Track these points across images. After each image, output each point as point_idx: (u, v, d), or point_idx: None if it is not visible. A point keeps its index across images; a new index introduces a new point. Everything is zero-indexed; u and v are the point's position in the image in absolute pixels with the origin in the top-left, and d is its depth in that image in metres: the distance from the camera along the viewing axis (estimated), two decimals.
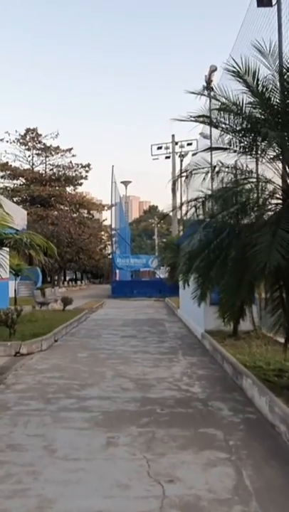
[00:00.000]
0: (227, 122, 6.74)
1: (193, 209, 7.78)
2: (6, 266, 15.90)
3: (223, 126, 6.82)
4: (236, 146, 6.75)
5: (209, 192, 7.27)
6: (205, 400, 6.76)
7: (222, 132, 6.85)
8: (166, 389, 7.39)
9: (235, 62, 6.32)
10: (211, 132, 19.11)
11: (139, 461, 4.52)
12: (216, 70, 21.54)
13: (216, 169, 6.85)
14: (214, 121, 6.84)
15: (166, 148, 40.51)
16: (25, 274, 25.16)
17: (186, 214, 7.78)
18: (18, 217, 17.57)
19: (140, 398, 6.82)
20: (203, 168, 7.14)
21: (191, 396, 6.97)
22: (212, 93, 6.92)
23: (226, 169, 6.74)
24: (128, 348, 11.53)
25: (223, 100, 6.58)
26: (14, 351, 10.61)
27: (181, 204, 8.00)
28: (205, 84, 22.38)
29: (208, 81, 22.34)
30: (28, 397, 6.85)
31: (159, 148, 40.56)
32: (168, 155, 40.14)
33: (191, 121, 6.64)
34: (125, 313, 21.97)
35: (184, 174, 7.09)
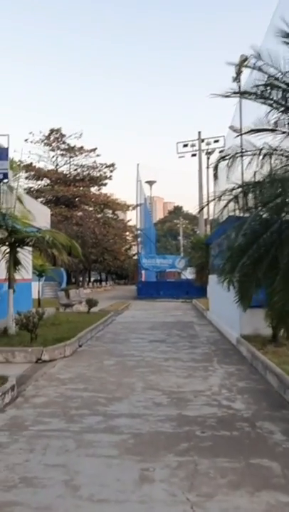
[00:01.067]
0: (275, 98, 5.81)
1: (227, 202, 6.89)
2: (29, 266, 15.25)
3: (270, 102, 5.90)
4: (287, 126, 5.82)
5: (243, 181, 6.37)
6: (251, 419, 5.83)
7: (269, 110, 5.92)
8: (205, 404, 6.49)
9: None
10: (241, 123, 18.12)
11: (182, 506, 3.64)
12: (246, 59, 20.58)
13: (263, 152, 5.92)
14: (258, 95, 5.91)
15: (192, 145, 39.55)
16: (49, 274, 24.59)
17: (225, 206, 6.85)
18: (41, 215, 16.88)
19: (176, 416, 5.93)
20: (245, 151, 6.21)
21: (235, 414, 6.05)
22: (258, 62, 5.99)
23: (278, 152, 5.80)
24: (158, 354, 10.65)
25: (272, 71, 5.65)
26: (35, 358, 9.86)
27: (220, 195, 7.05)
28: (234, 75, 21.46)
29: (238, 72, 21.37)
30: (48, 414, 6.03)
31: (185, 145, 39.63)
32: (194, 152, 39.16)
33: (234, 96, 5.73)
34: (152, 316, 21.10)
35: (227, 158, 6.17)
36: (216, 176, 7.00)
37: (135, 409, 6.25)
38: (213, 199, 6.89)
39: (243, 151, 6.07)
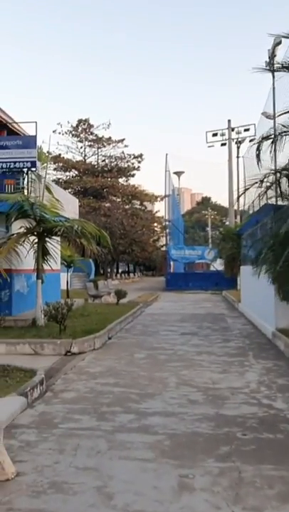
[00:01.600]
0: None
1: (267, 188, 6.40)
2: (57, 257, 15.01)
3: None
4: None
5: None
6: None
7: None
8: (244, 403, 6.08)
9: None
10: (274, 108, 17.39)
11: None
12: (280, 43, 19.84)
13: None
14: None
15: (222, 135, 38.79)
16: (77, 265, 24.43)
17: (265, 192, 6.38)
18: (70, 205, 16.64)
19: (214, 416, 5.55)
20: None
21: (277, 414, 5.63)
22: None
23: None
24: (190, 347, 10.28)
25: None
26: (64, 350, 9.61)
27: (262, 179, 6.57)
28: (268, 59, 20.68)
29: (272, 56, 20.66)
30: (78, 411, 5.74)
31: (215, 135, 38.92)
32: (224, 142, 38.39)
33: (279, 70, 5.25)
34: (182, 307, 20.72)
35: (270, 137, 5.69)
36: (258, 157, 6.51)
37: (169, 407, 5.90)
38: (254, 183, 6.41)
39: None
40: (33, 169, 12.48)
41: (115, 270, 70.03)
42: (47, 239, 12.50)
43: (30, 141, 12.49)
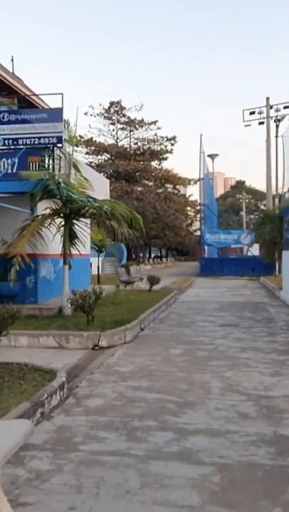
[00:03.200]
0: None
1: None
2: (86, 240, 14.07)
3: None
4: None
5: None
6: None
7: None
8: None
9: None
10: None
11: None
12: None
13: None
14: None
15: (260, 113, 36.85)
16: (108, 250, 23.49)
17: None
18: (99, 185, 15.59)
19: (272, 437, 4.43)
20: None
21: None
22: None
23: None
24: (232, 342, 9.14)
25: None
26: (92, 344, 8.64)
27: None
28: None
29: None
30: (104, 425, 4.72)
31: (252, 113, 37.02)
32: (262, 120, 36.49)
33: None
34: (219, 295, 19.52)
35: None
36: None
37: (215, 423, 4.81)
38: None
39: None
40: (60, 145, 11.43)
41: (148, 255, 69.11)
42: (74, 221, 11.52)
43: (56, 114, 11.40)
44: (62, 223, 11.26)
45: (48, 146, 11.68)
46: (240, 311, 13.88)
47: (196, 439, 4.37)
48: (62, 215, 11.18)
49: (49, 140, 11.53)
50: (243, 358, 7.70)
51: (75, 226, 11.59)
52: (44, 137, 11.54)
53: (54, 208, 11.17)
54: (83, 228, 11.74)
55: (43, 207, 11.46)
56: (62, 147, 11.52)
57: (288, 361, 7.49)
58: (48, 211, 11.21)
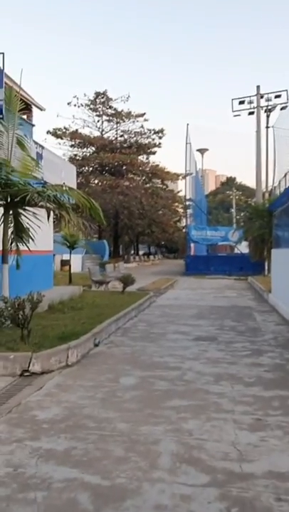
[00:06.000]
0: None
1: None
2: (47, 235, 11.98)
3: None
4: None
5: None
6: None
7: None
8: None
9: None
10: None
11: None
12: None
13: None
14: None
15: (250, 102, 34.85)
16: (80, 246, 21.42)
17: None
18: (61, 171, 13.51)
19: None
20: None
21: None
22: None
23: None
24: (205, 365, 7.09)
25: None
26: (20, 368, 6.57)
27: None
28: None
29: None
30: None
31: (241, 102, 35.03)
32: (251, 110, 34.50)
33: None
34: (200, 297, 17.50)
35: None
36: None
37: None
38: None
39: None
40: None
41: (134, 252, 67.04)
42: (20, 210, 9.45)
43: None
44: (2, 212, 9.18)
45: None
46: (221, 319, 11.86)
47: None
48: (0, 202, 9.09)
49: None
50: (214, 394, 5.66)
51: (22, 217, 9.53)
52: None
53: None
54: (38, 220, 9.63)
55: None
56: (2, 118, 9.37)
57: (276, 399, 5.46)
58: None
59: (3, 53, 9.36)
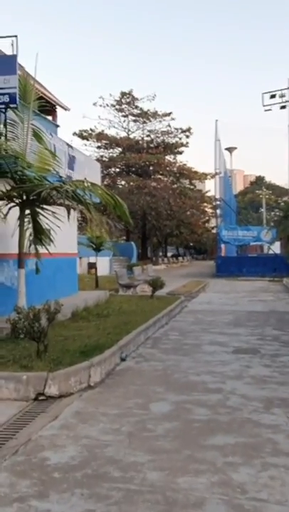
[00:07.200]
0: None
1: None
2: (71, 237, 11.10)
3: None
4: None
5: None
6: None
7: None
8: None
9: None
10: None
11: None
12: None
13: None
14: None
15: (282, 96, 33.39)
16: (107, 248, 20.52)
17: None
18: (85, 168, 12.63)
19: None
20: None
21: None
22: None
23: None
24: (250, 387, 6.01)
25: None
26: (34, 391, 5.63)
27: None
28: None
29: None
30: None
31: (273, 96, 33.52)
32: (284, 104, 33.04)
33: None
34: (235, 301, 16.36)
35: None
36: None
37: None
38: None
39: None
40: (13, 105, 8.41)
41: (162, 254, 66.03)
42: (38, 210, 8.57)
43: (7, 64, 8.41)
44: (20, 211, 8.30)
45: None
46: (261, 327, 10.74)
47: None
48: (18, 200, 8.22)
49: None
50: (266, 428, 4.59)
51: (40, 216, 8.65)
52: None
53: (5, 190, 8.20)
54: (58, 220, 8.72)
55: None
56: (17, 108, 8.47)
57: None
58: None
59: (16, 36, 8.53)
